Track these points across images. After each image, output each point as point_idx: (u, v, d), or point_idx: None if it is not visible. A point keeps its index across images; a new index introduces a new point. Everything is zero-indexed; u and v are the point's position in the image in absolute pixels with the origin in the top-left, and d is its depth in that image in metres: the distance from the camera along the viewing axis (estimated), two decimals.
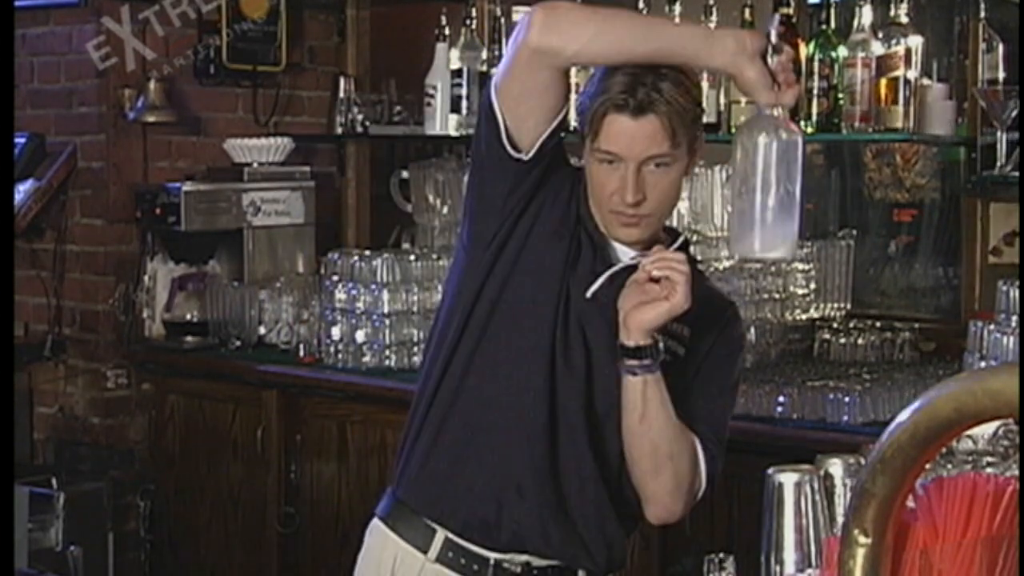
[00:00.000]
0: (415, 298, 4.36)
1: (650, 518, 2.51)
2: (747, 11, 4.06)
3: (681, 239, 2.54)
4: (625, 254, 2.46)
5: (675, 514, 2.50)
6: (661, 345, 2.39)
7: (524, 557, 2.48)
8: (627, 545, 2.57)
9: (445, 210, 4.77)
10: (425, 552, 2.48)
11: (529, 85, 2.36)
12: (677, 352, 2.45)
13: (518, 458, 2.44)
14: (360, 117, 5.09)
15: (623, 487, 2.49)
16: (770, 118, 2.37)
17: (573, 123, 2.85)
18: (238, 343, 4.75)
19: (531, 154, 2.40)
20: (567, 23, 2.32)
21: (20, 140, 4.85)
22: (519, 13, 5.03)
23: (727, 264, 4.06)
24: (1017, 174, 3.64)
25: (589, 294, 2.43)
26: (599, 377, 2.43)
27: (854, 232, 4.33)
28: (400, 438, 2.58)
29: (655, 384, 2.37)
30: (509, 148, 2.39)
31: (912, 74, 3.81)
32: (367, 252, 4.53)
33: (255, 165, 4.94)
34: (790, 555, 1.72)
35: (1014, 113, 3.60)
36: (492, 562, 2.47)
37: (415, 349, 4.32)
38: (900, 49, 3.79)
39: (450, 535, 2.47)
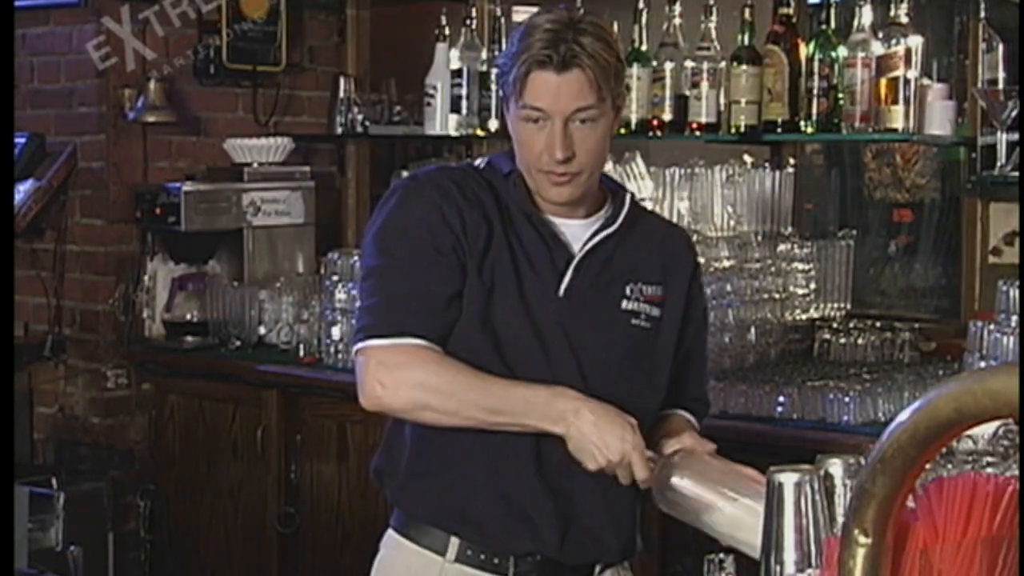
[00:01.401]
0: None
1: None
2: (747, 11, 4.06)
3: (626, 199, 2.52)
4: (568, 230, 2.45)
5: None
6: (642, 316, 2.45)
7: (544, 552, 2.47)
8: (636, 529, 2.56)
9: None
10: (443, 555, 2.46)
11: None
12: (653, 315, 2.48)
13: (519, 460, 2.42)
14: (360, 117, 5.09)
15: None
16: None
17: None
18: (238, 343, 4.75)
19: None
20: (399, 397, 2.33)
21: (20, 140, 4.84)
22: (519, 13, 5.04)
23: (727, 264, 4.06)
24: (1017, 174, 3.64)
25: (561, 292, 2.43)
26: (591, 368, 2.43)
27: (854, 232, 4.33)
28: (387, 448, 2.52)
29: None
30: None
31: (912, 74, 3.81)
32: None
33: (255, 165, 4.94)
34: (790, 555, 1.72)
35: (1014, 113, 3.60)
36: (512, 558, 2.45)
37: None
38: (900, 49, 3.79)
39: (464, 541, 2.45)
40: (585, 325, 2.44)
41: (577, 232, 2.47)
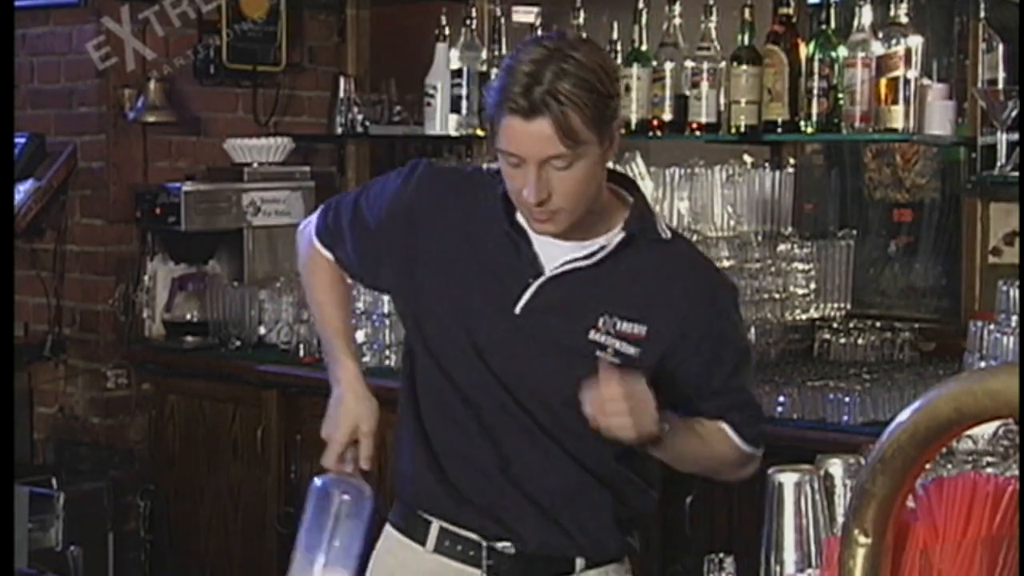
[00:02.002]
0: None
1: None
2: (747, 11, 4.06)
3: (621, 235, 2.45)
4: (549, 249, 2.44)
5: (742, 478, 2.59)
6: (611, 351, 2.40)
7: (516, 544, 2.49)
8: (625, 535, 2.56)
9: None
10: (423, 544, 2.52)
11: None
12: (627, 353, 2.42)
13: (486, 455, 2.47)
14: (360, 117, 5.09)
15: (607, 482, 2.50)
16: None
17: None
18: (238, 343, 4.75)
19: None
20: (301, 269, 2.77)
21: (20, 140, 4.84)
22: (519, 13, 5.04)
23: (727, 264, 4.05)
24: (1017, 174, 3.64)
25: (518, 310, 2.43)
26: (530, 392, 2.44)
27: (854, 232, 4.33)
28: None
29: (668, 436, 2.38)
30: None
31: (912, 74, 3.81)
32: None
33: (255, 165, 4.94)
34: (790, 555, 1.72)
35: (1014, 113, 3.60)
36: (486, 547, 2.49)
37: None
38: (900, 49, 3.79)
39: (445, 524, 2.50)
40: (541, 349, 2.42)
41: (557, 253, 2.44)
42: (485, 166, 2.63)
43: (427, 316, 2.49)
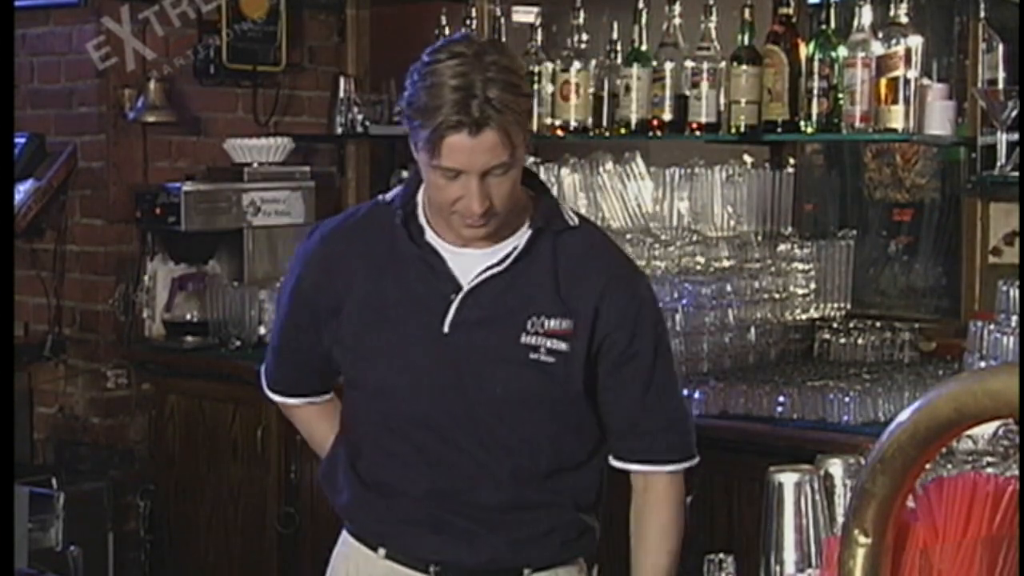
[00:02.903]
0: None
1: None
2: (747, 11, 4.06)
3: (527, 234, 2.46)
4: (462, 261, 2.44)
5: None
6: (543, 350, 2.41)
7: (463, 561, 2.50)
8: (573, 536, 2.54)
9: None
10: (375, 551, 2.54)
11: None
12: (559, 350, 2.42)
13: (421, 483, 2.47)
14: (360, 117, 5.09)
15: (541, 494, 2.49)
16: None
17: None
18: (238, 343, 4.75)
19: None
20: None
21: (20, 140, 4.85)
22: (519, 13, 5.04)
23: (727, 264, 4.06)
24: (1017, 174, 3.64)
25: (446, 328, 2.42)
26: (482, 405, 2.44)
27: (854, 232, 4.33)
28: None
29: None
30: None
31: (912, 74, 3.80)
32: None
33: (255, 165, 4.94)
34: (790, 555, 1.72)
35: (1014, 113, 3.60)
36: (433, 565, 2.50)
37: None
38: (900, 49, 3.79)
39: (389, 547, 2.52)
40: (476, 362, 2.42)
41: (471, 263, 2.44)
42: (380, 197, 2.61)
43: (362, 358, 2.49)
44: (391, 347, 2.45)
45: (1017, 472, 2.02)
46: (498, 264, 2.43)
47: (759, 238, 4.19)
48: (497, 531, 2.47)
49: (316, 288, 2.54)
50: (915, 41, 3.81)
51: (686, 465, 2.55)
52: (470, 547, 2.47)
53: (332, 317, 2.51)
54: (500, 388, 2.42)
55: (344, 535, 2.61)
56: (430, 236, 2.45)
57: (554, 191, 3.23)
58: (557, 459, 2.48)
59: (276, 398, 2.73)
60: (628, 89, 4.19)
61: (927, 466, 1.23)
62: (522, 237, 2.45)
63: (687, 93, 4.15)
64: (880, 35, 3.82)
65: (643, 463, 2.52)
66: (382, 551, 2.52)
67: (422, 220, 2.46)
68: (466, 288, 2.43)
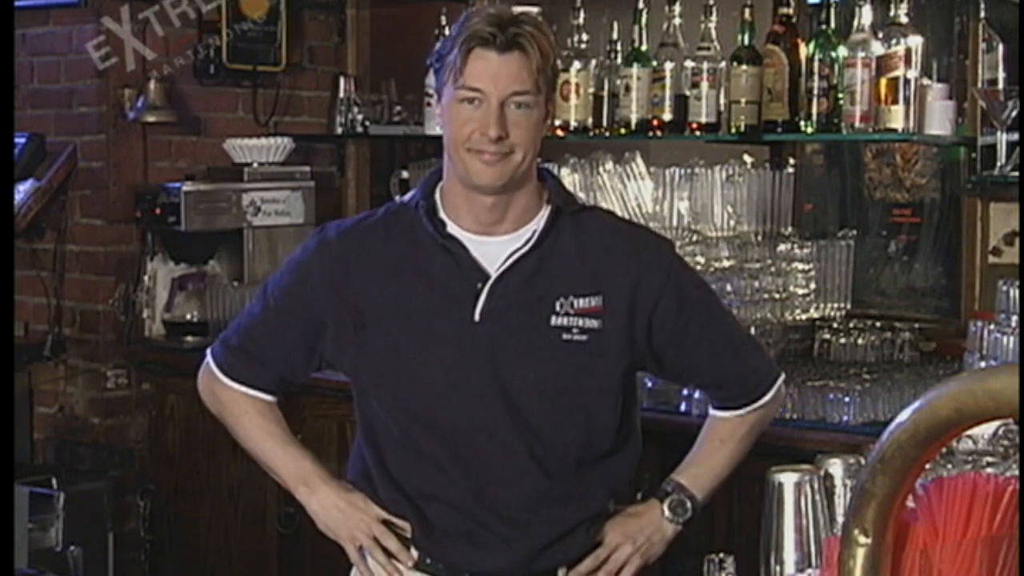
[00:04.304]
0: None
1: None
2: (747, 11, 4.06)
3: (546, 213, 2.48)
4: (486, 249, 2.45)
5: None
6: (575, 330, 2.43)
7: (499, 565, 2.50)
8: (598, 531, 2.56)
9: None
10: (405, 564, 2.52)
11: None
12: (591, 328, 2.44)
13: (460, 487, 2.46)
14: (360, 117, 5.09)
15: (573, 487, 2.50)
16: None
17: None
18: None
19: None
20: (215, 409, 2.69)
21: (20, 140, 4.84)
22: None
23: (727, 264, 4.06)
24: (1017, 174, 3.64)
25: (477, 317, 2.43)
26: (519, 392, 2.43)
27: (854, 232, 4.33)
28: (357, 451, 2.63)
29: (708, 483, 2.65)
30: None
31: (912, 74, 3.80)
32: None
33: (255, 165, 4.94)
34: (790, 555, 1.73)
35: (1014, 113, 3.60)
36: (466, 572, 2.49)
37: None
38: (900, 49, 3.79)
39: (421, 553, 2.51)
40: (510, 348, 2.42)
41: (495, 251, 2.45)
42: (397, 199, 2.63)
43: (393, 360, 2.46)
44: (423, 344, 2.43)
45: (1017, 472, 2.02)
46: (523, 247, 2.44)
47: (759, 238, 4.19)
48: (531, 533, 2.46)
49: (330, 289, 2.49)
50: (915, 41, 3.81)
51: (776, 387, 2.64)
52: (507, 551, 2.46)
53: (347, 322, 2.47)
54: (534, 373, 2.43)
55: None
56: (452, 228, 2.45)
57: None
58: (588, 447, 2.48)
59: (230, 383, 2.61)
60: (628, 89, 4.19)
61: (927, 466, 1.23)
62: (541, 219, 2.46)
63: (687, 93, 4.15)
64: (880, 35, 3.82)
65: (741, 408, 2.62)
66: (412, 561, 2.49)
67: (443, 214, 2.47)
68: (494, 275, 2.43)
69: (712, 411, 2.65)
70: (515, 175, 2.40)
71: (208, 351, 2.67)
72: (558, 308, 2.43)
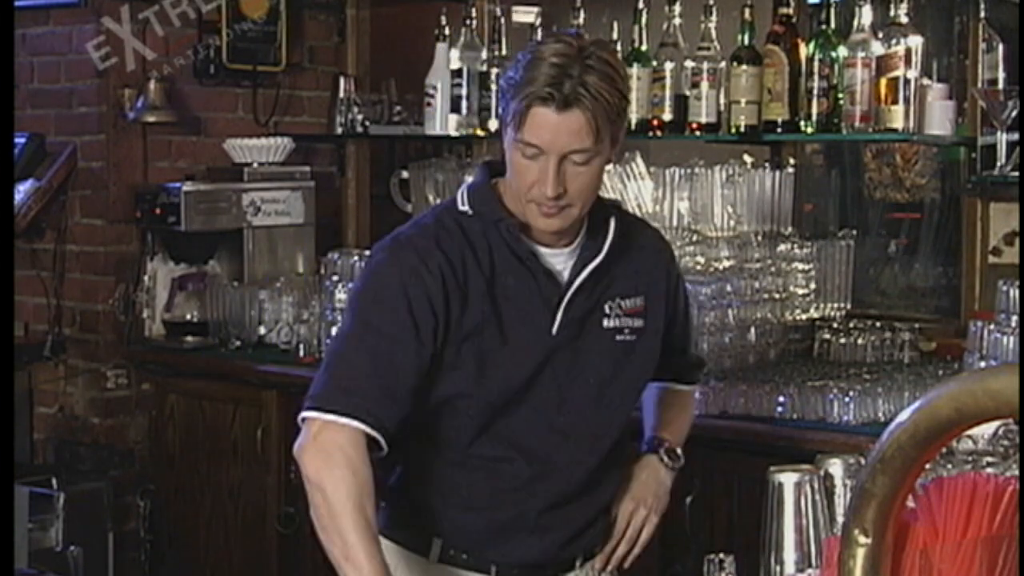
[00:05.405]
0: None
1: None
2: (747, 11, 4.06)
3: (611, 225, 2.49)
4: (557, 261, 2.46)
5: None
6: (626, 331, 2.49)
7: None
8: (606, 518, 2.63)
9: None
10: (426, 555, 2.50)
11: None
12: (637, 327, 2.50)
13: (527, 498, 2.47)
14: (360, 117, 5.09)
15: (606, 483, 2.56)
16: None
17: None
18: (238, 343, 4.75)
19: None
20: (317, 478, 2.29)
21: (20, 140, 4.84)
22: (519, 13, 5.04)
23: (727, 264, 4.05)
24: (1017, 174, 3.64)
25: (554, 331, 2.43)
26: (570, 392, 2.45)
27: (854, 232, 4.33)
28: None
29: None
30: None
31: (912, 74, 3.80)
32: (367, 252, 4.51)
33: (255, 165, 4.94)
34: (790, 555, 1.73)
35: (1014, 113, 3.60)
36: (494, 564, 2.49)
37: None
38: (900, 49, 3.79)
39: (446, 544, 2.50)
40: (571, 355, 2.45)
41: (564, 262, 2.46)
42: (443, 204, 2.55)
43: (481, 375, 2.40)
44: (505, 360, 2.41)
45: (1017, 472, 2.02)
46: (594, 256, 2.45)
47: (759, 238, 4.19)
48: (562, 524, 2.49)
49: (436, 299, 2.36)
50: (915, 41, 3.81)
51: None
52: (538, 544, 2.48)
53: (454, 337, 2.38)
54: (593, 377, 2.46)
55: (385, 545, 2.44)
56: (525, 239, 2.44)
57: None
58: (615, 442, 2.53)
59: (334, 418, 2.30)
60: (629, 92, 4.18)
61: (927, 466, 1.24)
62: (606, 235, 2.47)
63: (687, 93, 4.15)
64: (880, 35, 3.82)
65: (688, 384, 2.80)
66: (434, 555, 2.48)
67: (516, 232, 2.44)
68: (572, 289, 2.44)
69: (665, 383, 2.73)
70: (574, 223, 2.41)
71: (304, 412, 2.35)
72: (607, 310, 2.48)
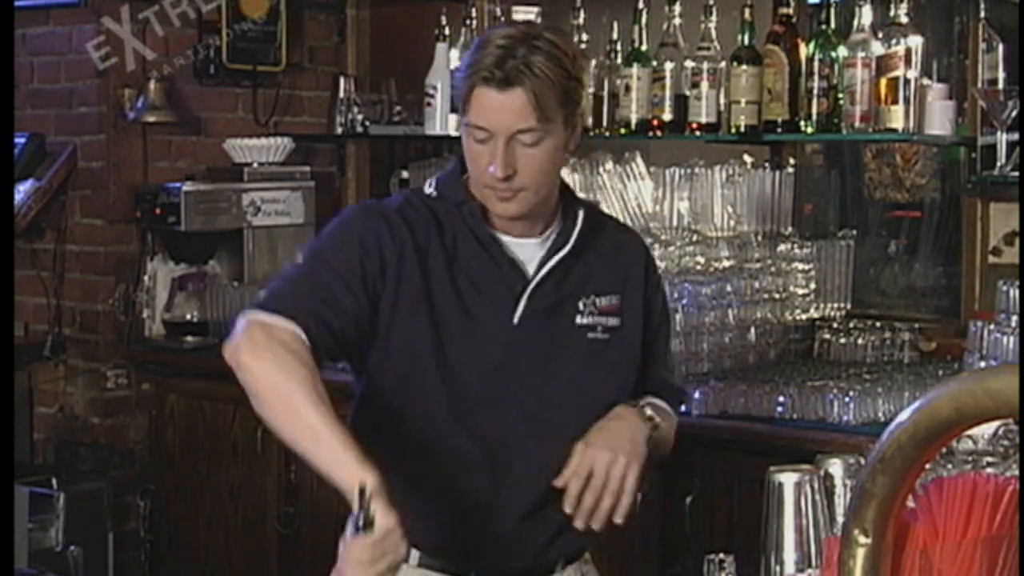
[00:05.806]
0: None
1: None
2: (747, 11, 4.06)
3: (579, 216, 2.47)
4: (523, 251, 2.44)
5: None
6: (599, 329, 2.45)
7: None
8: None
9: None
10: (406, 560, 2.48)
11: None
12: (612, 326, 2.47)
13: (480, 490, 2.44)
14: (360, 117, 5.09)
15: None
16: None
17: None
18: None
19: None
20: (253, 364, 2.37)
21: (20, 140, 4.84)
22: (519, 13, 5.04)
23: (727, 264, 4.06)
24: (1017, 174, 3.64)
25: (516, 320, 2.41)
26: (542, 389, 2.43)
27: (854, 232, 4.33)
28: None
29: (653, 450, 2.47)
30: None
31: (912, 74, 3.81)
32: None
33: (255, 165, 4.94)
34: (790, 555, 1.72)
35: (1014, 113, 3.60)
36: (473, 571, 2.48)
37: None
38: (900, 49, 3.79)
39: (424, 554, 2.47)
40: (538, 349, 2.42)
41: (531, 253, 2.45)
42: (421, 187, 2.53)
43: (433, 360, 2.39)
44: (467, 345, 2.40)
45: (1017, 472, 2.02)
46: (561, 247, 2.44)
47: (759, 238, 4.19)
48: (539, 529, 2.46)
49: (390, 260, 2.37)
50: (915, 41, 3.81)
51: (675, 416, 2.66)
52: (517, 548, 2.45)
53: (404, 291, 2.38)
54: (563, 375, 2.43)
55: None
56: (488, 227, 2.44)
57: None
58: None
59: (271, 318, 2.33)
60: (628, 89, 4.19)
61: (927, 466, 1.24)
62: (574, 225, 2.46)
63: (687, 93, 4.15)
64: (880, 35, 3.82)
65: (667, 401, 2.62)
66: (413, 559, 2.45)
67: (481, 215, 2.44)
68: (536, 279, 2.43)
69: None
70: (531, 208, 2.40)
71: (246, 311, 2.40)
72: (581, 307, 2.45)
